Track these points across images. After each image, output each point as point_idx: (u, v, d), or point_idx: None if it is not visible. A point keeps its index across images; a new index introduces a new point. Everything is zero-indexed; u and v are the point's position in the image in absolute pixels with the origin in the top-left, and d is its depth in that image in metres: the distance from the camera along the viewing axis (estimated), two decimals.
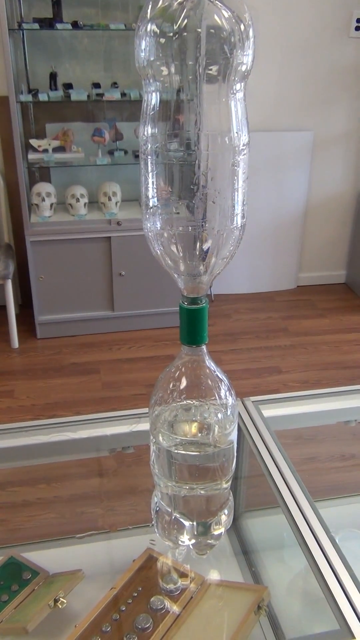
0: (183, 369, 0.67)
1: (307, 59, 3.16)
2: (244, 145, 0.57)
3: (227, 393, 0.69)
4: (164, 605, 0.94)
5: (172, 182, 0.59)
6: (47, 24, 2.60)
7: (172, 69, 0.55)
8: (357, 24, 3.12)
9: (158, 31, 0.53)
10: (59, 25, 2.60)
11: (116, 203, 2.90)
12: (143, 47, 0.53)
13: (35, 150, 2.83)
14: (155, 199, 0.60)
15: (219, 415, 0.71)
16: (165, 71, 0.55)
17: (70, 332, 3.03)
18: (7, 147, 2.96)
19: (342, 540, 1.00)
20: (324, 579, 0.77)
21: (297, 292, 3.67)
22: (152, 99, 0.56)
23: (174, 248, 0.61)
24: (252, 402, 1.06)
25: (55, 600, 0.91)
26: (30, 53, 2.83)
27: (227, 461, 0.72)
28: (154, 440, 0.70)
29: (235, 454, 0.73)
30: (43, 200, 2.84)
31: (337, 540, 0.94)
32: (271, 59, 3.12)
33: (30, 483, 2.03)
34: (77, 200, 2.87)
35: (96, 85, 2.82)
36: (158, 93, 0.56)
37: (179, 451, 0.69)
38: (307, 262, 3.70)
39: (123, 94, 2.78)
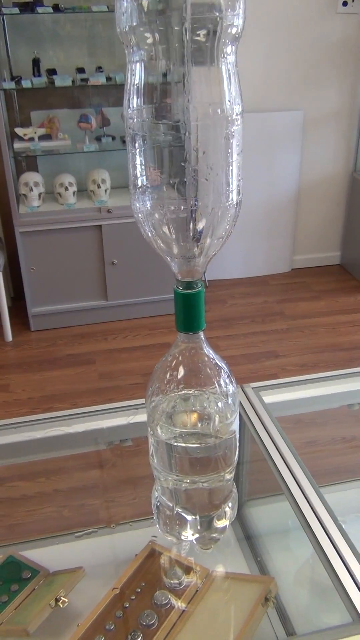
0: (180, 358, 0.64)
1: (294, 36, 3.10)
2: (237, 115, 0.53)
3: (227, 381, 0.66)
4: (169, 601, 0.91)
5: (161, 159, 0.55)
6: (27, 8, 2.53)
7: (157, 36, 0.51)
8: (344, 0, 3.06)
9: None
10: (39, 9, 2.53)
11: (106, 190, 2.85)
12: (124, 9, 0.49)
13: (21, 139, 2.77)
14: (144, 178, 0.56)
15: (220, 404, 0.68)
16: (149, 38, 0.51)
17: (64, 323, 2.99)
18: None
19: (348, 525, 0.97)
20: (332, 566, 0.74)
21: (292, 274, 3.63)
22: (137, 69, 0.52)
23: (165, 229, 0.57)
24: (253, 388, 1.03)
25: (57, 600, 0.88)
26: (11, 39, 2.76)
27: (229, 452, 0.68)
28: (152, 432, 0.67)
29: (237, 443, 0.70)
30: (31, 190, 2.78)
31: (343, 526, 0.92)
32: (258, 37, 3.06)
33: (29, 478, 2.01)
34: (66, 188, 2.82)
35: (81, 70, 2.75)
36: (143, 63, 0.52)
37: (178, 443, 0.66)
38: (301, 244, 3.66)
39: (108, 79, 2.72)
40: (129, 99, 0.53)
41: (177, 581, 0.93)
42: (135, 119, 0.54)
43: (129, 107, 0.53)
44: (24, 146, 2.76)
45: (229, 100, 0.52)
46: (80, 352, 2.80)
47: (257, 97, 3.20)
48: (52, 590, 0.92)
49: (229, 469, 0.70)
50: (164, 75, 0.52)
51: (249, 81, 3.15)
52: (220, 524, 0.73)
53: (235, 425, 0.68)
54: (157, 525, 0.74)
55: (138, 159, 0.55)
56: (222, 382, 0.66)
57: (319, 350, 2.82)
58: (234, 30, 0.50)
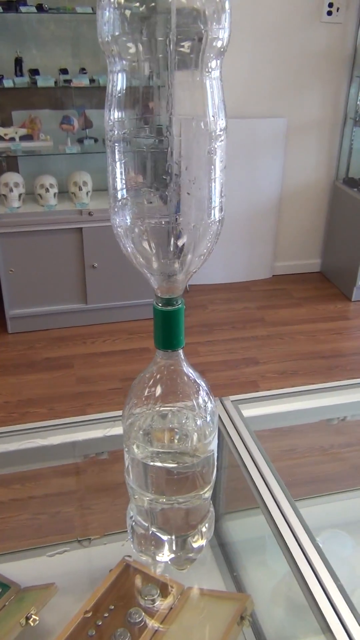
0: (158, 375, 0.62)
1: (278, 44, 3.11)
2: (220, 130, 0.52)
3: (206, 399, 0.64)
4: (143, 618, 0.90)
5: (142, 172, 0.53)
6: (11, 7, 2.49)
7: (140, 46, 0.50)
8: (329, 9, 3.07)
9: (123, 1, 0.48)
10: (23, 9, 2.49)
11: (87, 193, 2.82)
12: (106, 19, 0.48)
13: (1, 139, 2.73)
14: (125, 191, 0.54)
15: (198, 422, 0.66)
16: (132, 48, 0.50)
17: (43, 326, 2.95)
18: None
19: (325, 541, 0.97)
20: (306, 584, 0.73)
21: (273, 281, 3.64)
22: (118, 79, 0.51)
23: (145, 245, 0.55)
24: (232, 401, 1.02)
25: (27, 618, 0.86)
26: None
27: (207, 471, 0.67)
28: (128, 450, 0.65)
29: (215, 462, 0.69)
30: (11, 190, 2.74)
31: (319, 542, 0.91)
32: (242, 44, 3.06)
33: (3, 485, 1.97)
34: (47, 190, 2.79)
35: (64, 71, 2.72)
36: (124, 73, 0.50)
37: (155, 463, 0.64)
38: (283, 251, 3.67)
39: (92, 80, 2.70)
40: (109, 110, 0.51)
41: (151, 598, 0.91)
42: (115, 131, 0.52)
43: (109, 119, 0.51)
44: (4, 146, 2.72)
45: (212, 115, 0.51)
46: (58, 356, 2.77)
47: (240, 103, 3.20)
48: (22, 608, 0.90)
49: (206, 488, 0.68)
50: (147, 87, 0.51)
51: (233, 87, 3.15)
52: (196, 544, 0.71)
53: (214, 444, 0.67)
54: (132, 545, 0.72)
55: (118, 171, 0.54)
56: (200, 400, 0.64)
57: (299, 357, 2.83)
58: (219, 44, 0.49)
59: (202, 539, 0.71)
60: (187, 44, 0.50)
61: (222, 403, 1.01)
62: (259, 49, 3.09)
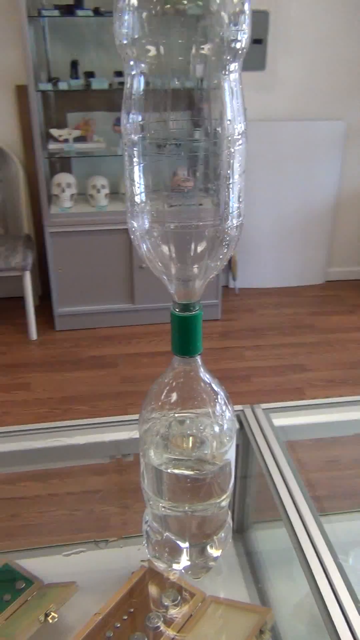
0: (175, 382, 0.61)
1: (337, 45, 3.04)
2: (239, 134, 0.50)
3: (224, 407, 0.63)
4: (161, 624, 0.89)
5: (160, 177, 0.53)
6: (67, 10, 2.54)
7: (162, 49, 0.49)
8: None
9: (143, 3, 0.47)
10: (80, 12, 2.54)
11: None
12: (125, 22, 0.47)
13: (55, 140, 2.79)
14: (143, 195, 0.54)
15: (216, 430, 0.65)
16: (152, 51, 0.49)
17: (89, 324, 3.00)
18: (27, 137, 2.92)
19: (355, 560, 0.93)
20: (324, 602, 0.70)
21: (326, 287, 3.56)
22: (136, 82, 0.50)
23: (163, 249, 0.55)
24: (263, 409, 1.00)
25: (46, 615, 0.87)
26: (51, 41, 2.79)
27: (223, 479, 0.65)
28: (144, 455, 0.65)
29: (232, 471, 0.67)
30: (63, 191, 2.80)
31: (349, 561, 0.88)
32: (301, 45, 3.01)
33: (36, 480, 2.00)
34: (98, 191, 2.83)
35: (118, 74, 2.75)
36: (144, 76, 0.50)
37: (171, 469, 0.63)
38: (337, 256, 3.59)
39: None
40: (128, 114, 0.51)
41: (171, 603, 0.90)
42: (134, 135, 0.51)
43: (128, 123, 0.51)
44: (58, 147, 2.78)
45: (229, 119, 0.50)
46: (103, 355, 2.80)
47: (297, 105, 3.15)
48: (42, 604, 0.91)
49: (222, 497, 0.67)
50: (165, 91, 0.50)
51: (289, 89, 3.10)
52: (212, 553, 0.70)
53: (231, 453, 0.65)
54: (147, 552, 0.71)
55: (137, 176, 0.53)
56: (218, 408, 0.63)
57: (349, 366, 2.75)
58: (237, 45, 0.47)
59: (217, 548, 0.70)
60: (207, 46, 0.49)
61: (252, 411, 0.99)
62: (319, 51, 3.04)
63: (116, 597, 0.91)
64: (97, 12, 2.55)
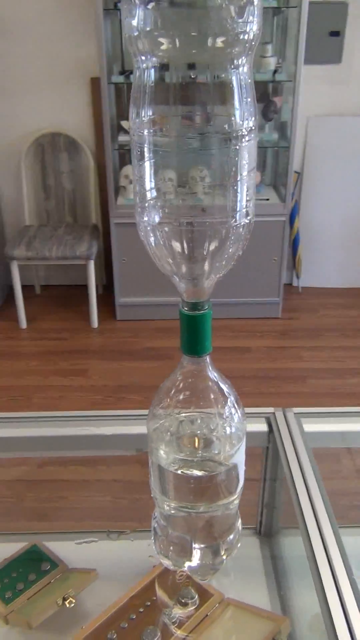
0: (183, 382, 0.61)
1: None
2: (247, 130, 0.49)
3: (233, 409, 0.62)
4: (176, 620, 0.89)
5: (170, 173, 0.52)
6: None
7: (173, 42, 0.48)
8: None
9: None
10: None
11: (203, 188, 2.83)
12: (136, 14, 0.47)
13: (126, 132, 2.82)
14: (154, 192, 0.53)
15: (226, 430, 0.64)
16: (164, 44, 0.48)
17: (148, 315, 3.03)
18: (99, 129, 2.97)
19: None
20: (331, 620, 0.68)
21: None
22: (147, 76, 0.50)
23: (172, 246, 0.54)
24: (295, 413, 0.97)
25: (64, 599, 0.89)
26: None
27: (231, 481, 0.64)
28: (151, 452, 0.65)
29: (241, 474, 0.66)
30: (130, 182, 2.83)
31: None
32: None
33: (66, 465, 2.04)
34: (176, 185, 2.83)
35: (191, 66, 2.74)
36: (154, 70, 0.49)
37: (179, 469, 0.63)
38: None
39: (216, 77, 2.69)
40: (137, 109, 0.50)
41: (188, 601, 0.90)
42: (146, 130, 0.51)
43: (138, 118, 0.51)
44: (127, 139, 2.81)
45: (239, 115, 0.48)
46: (160, 347, 2.82)
47: None
48: (63, 588, 0.93)
49: (230, 499, 0.66)
50: (175, 85, 0.49)
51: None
52: (219, 555, 0.69)
53: (240, 455, 0.64)
54: (154, 549, 0.72)
55: (147, 171, 0.53)
56: (226, 409, 0.62)
57: None
58: (245, 37, 0.46)
59: (226, 550, 0.69)
60: (221, 39, 0.47)
61: (284, 414, 0.97)
62: None
63: (134, 589, 0.92)
64: None
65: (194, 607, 0.89)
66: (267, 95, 2.87)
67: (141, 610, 0.90)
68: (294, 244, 3.21)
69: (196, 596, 0.91)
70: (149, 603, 0.91)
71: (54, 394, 2.50)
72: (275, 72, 2.73)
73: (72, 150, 3.08)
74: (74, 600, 0.89)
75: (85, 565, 0.98)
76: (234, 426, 0.62)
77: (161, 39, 0.48)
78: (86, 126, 3.09)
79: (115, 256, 2.88)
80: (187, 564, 0.68)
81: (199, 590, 0.92)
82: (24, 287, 2.97)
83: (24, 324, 3.00)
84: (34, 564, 0.98)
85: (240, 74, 0.48)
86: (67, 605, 0.88)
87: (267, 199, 2.93)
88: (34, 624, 0.86)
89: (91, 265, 2.85)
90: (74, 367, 2.69)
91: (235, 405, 0.62)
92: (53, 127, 3.05)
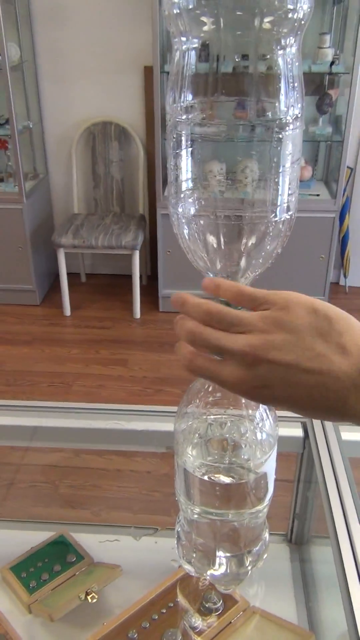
0: (211, 386, 0.58)
1: None
2: (292, 118, 0.45)
3: (265, 415, 0.58)
4: (198, 625, 0.86)
5: (208, 163, 0.49)
6: None
7: (218, 21, 0.45)
8: None
9: None
10: None
11: (252, 181, 2.77)
12: None
13: None
14: (190, 182, 0.50)
15: (257, 436, 0.60)
16: (207, 25, 0.45)
17: None
18: (150, 119, 2.95)
19: None
20: (357, 636, 0.64)
21: None
22: (187, 58, 0.47)
23: (207, 240, 0.51)
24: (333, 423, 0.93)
25: (87, 593, 0.88)
26: None
27: (259, 490, 0.61)
28: (177, 454, 0.62)
29: (270, 483, 0.62)
30: None
31: None
32: None
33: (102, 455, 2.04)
34: (215, 176, 2.79)
35: (244, 57, 2.68)
36: (194, 52, 0.46)
37: (206, 474, 0.60)
38: None
39: (269, 68, 2.63)
40: (175, 93, 0.47)
41: (213, 606, 0.88)
42: (184, 116, 0.48)
43: (176, 103, 0.48)
44: None
45: (284, 101, 0.45)
46: None
47: None
48: (86, 582, 0.92)
49: (258, 508, 0.62)
50: (217, 68, 0.46)
51: None
52: (244, 565, 0.66)
53: (270, 463, 0.61)
54: (177, 553, 0.69)
55: (184, 161, 0.50)
56: (257, 414, 0.58)
57: None
58: (295, 16, 0.42)
59: (251, 561, 0.66)
60: (269, 18, 0.44)
61: (322, 423, 0.93)
62: None
63: (158, 588, 0.90)
64: None
65: (216, 614, 0.87)
66: (322, 88, 2.78)
67: (163, 611, 0.88)
68: (343, 242, 3.12)
69: (220, 601, 0.89)
70: (172, 604, 0.89)
71: (93, 383, 2.50)
72: (332, 63, 2.64)
73: (123, 139, 3.08)
74: (96, 596, 0.88)
75: (111, 559, 0.97)
76: (265, 432, 0.59)
77: (204, 18, 0.45)
78: (138, 115, 3.08)
79: (160, 247, 2.87)
80: (209, 572, 0.65)
81: (224, 596, 0.89)
82: (69, 274, 2.99)
83: (68, 311, 3.03)
84: (60, 554, 0.98)
85: (287, 56, 0.44)
86: (90, 601, 0.87)
87: (318, 195, 2.85)
88: (55, 617, 0.85)
89: (136, 256, 2.84)
90: (115, 356, 2.69)
91: (267, 410, 0.58)
92: (105, 115, 3.05)
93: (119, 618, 0.86)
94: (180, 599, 0.89)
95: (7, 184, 2.96)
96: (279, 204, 0.48)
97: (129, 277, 2.99)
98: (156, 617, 0.87)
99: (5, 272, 3.04)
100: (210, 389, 0.59)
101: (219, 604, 0.88)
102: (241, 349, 0.42)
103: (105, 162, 3.11)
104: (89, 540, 1.00)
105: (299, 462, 0.95)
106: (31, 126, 3.07)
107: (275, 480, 0.64)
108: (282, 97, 0.45)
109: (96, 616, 0.88)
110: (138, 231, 2.89)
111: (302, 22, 0.43)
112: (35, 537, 1.00)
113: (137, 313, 2.98)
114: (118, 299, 3.16)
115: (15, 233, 2.95)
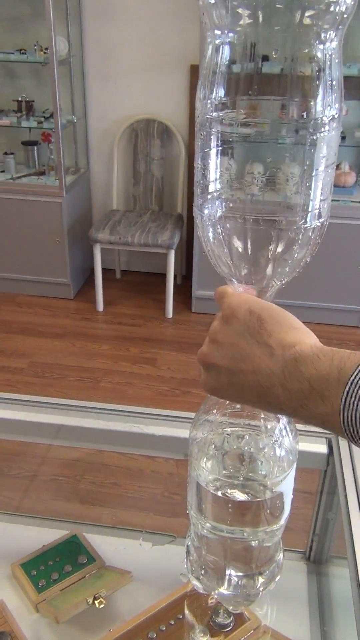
0: None
1: None
2: (328, 118, 0.42)
3: (285, 430, 0.55)
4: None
5: (238, 164, 0.46)
6: None
7: (255, 15, 0.42)
8: None
9: None
10: None
11: (294, 185, 2.72)
12: None
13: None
14: (218, 183, 0.48)
15: (276, 452, 0.57)
16: (244, 18, 0.42)
17: None
18: (193, 117, 2.93)
19: None
20: None
21: None
22: (220, 53, 0.44)
23: (232, 244, 0.48)
24: None
25: (95, 598, 0.86)
26: None
27: (274, 509, 0.58)
28: (191, 466, 0.59)
29: (286, 503, 0.59)
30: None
31: None
32: None
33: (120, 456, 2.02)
34: (254, 178, 2.75)
35: (272, 44, 2.63)
36: (229, 46, 0.43)
37: (220, 489, 0.58)
38: None
39: (299, 54, 2.57)
40: (206, 89, 0.45)
41: (222, 622, 0.85)
42: (215, 114, 0.45)
43: (207, 99, 0.45)
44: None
45: (320, 101, 0.42)
46: None
47: None
48: (96, 586, 0.90)
49: (272, 528, 0.59)
50: (253, 64, 0.43)
51: None
52: (254, 586, 0.63)
53: (287, 482, 0.58)
54: (186, 568, 0.67)
55: (214, 161, 0.47)
56: (277, 430, 0.55)
57: None
58: (337, 9, 0.39)
59: (260, 582, 0.63)
60: (310, 12, 0.41)
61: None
62: None
63: (169, 598, 0.88)
64: None
65: (224, 631, 0.84)
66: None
67: (172, 622, 0.85)
68: None
69: (231, 617, 0.86)
70: (180, 616, 0.87)
71: (121, 380, 2.50)
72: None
73: (165, 137, 3.06)
74: (104, 601, 0.86)
75: (122, 564, 0.95)
76: (284, 449, 0.56)
77: (241, 10, 0.42)
78: (181, 114, 3.06)
79: (196, 247, 2.84)
80: (218, 590, 0.62)
81: (235, 612, 0.86)
82: (104, 270, 2.99)
83: (101, 306, 3.03)
84: (72, 555, 0.96)
85: (326, 52, 0.41)
86: (97, 606, 0.85)
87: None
88: (61, 620, 0.84)
89: (172, 255, 2.83)
90: (144, 355, 2.68)
91: (288, 426, 0.55)
92: (148, 113, 3.04)
93: (126, 626, 0.84)
94: (187, 614, 0.86)
95: (48, 177, 2.98)
96: (310, 209, 0.45)
97: (163, 276, 2.98)
98: (164, 628, 0.85)
99: (42, 264, 3.06)
100: (223, 401, 0.57)
101: (228, 620, 0.85)
102: (197, 356, 0.52)
103: (146, 159, 3.10)
104: (102, 542, 0.98)
105: (322, 479, 0.91)
106: (75, 121, 3.08)
107: (297, 491, 0.61)
108: (318, 96, 0.42)
109: (103, 621, 0.87)
110: (175, 230, 2.87)
111: (345, 16, 0.40)
112: (49, 534, 0.99)
113: (170, 312, 2.96)
114: (151, 297, 3.15)
115: (53, 226, 2.97)
